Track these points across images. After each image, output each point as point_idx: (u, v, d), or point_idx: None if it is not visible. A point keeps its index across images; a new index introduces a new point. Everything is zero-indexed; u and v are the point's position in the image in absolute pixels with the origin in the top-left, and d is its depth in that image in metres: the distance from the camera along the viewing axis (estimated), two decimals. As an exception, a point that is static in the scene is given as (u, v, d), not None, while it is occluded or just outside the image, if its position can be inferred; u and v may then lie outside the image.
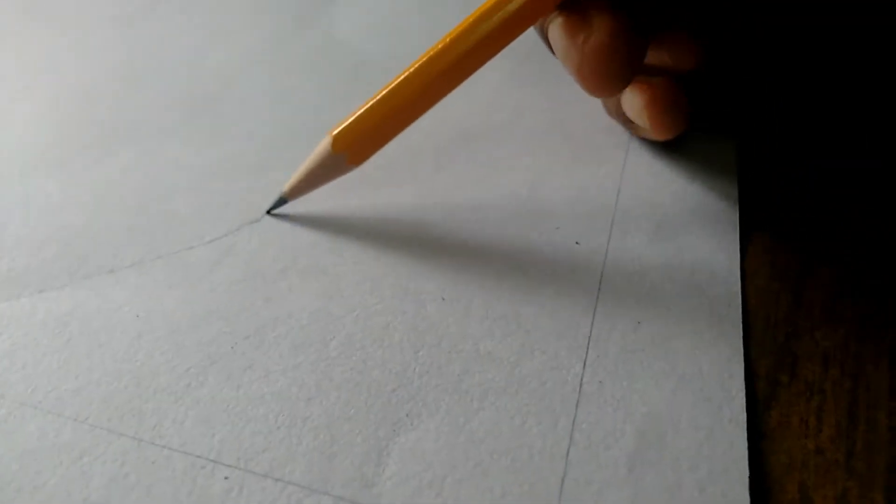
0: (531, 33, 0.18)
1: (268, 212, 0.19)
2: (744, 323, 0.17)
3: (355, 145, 0.18)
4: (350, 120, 0.18)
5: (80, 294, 0.17)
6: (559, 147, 0.22)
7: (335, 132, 0.18)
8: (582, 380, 0.16)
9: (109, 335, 0.16)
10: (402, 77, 0.17)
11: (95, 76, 0.24)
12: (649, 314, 0.17)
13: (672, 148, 0.22)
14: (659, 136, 0.19)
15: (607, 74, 0.16)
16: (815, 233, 0.20)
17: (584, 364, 0.16)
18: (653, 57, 0.19)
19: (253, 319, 0.16)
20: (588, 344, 0.16)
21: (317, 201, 0.20)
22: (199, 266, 0.18)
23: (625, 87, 0.17)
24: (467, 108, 0.23)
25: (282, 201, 0.19)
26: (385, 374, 0.15)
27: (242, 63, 0.25)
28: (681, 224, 0.19)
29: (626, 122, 0.20)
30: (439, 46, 0.17)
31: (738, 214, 0.20)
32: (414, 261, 0.18)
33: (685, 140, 0.22)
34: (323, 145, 0.18)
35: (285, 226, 0.19)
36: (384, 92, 0.17)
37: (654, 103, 0.18)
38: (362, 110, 0.18)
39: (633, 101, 0.18)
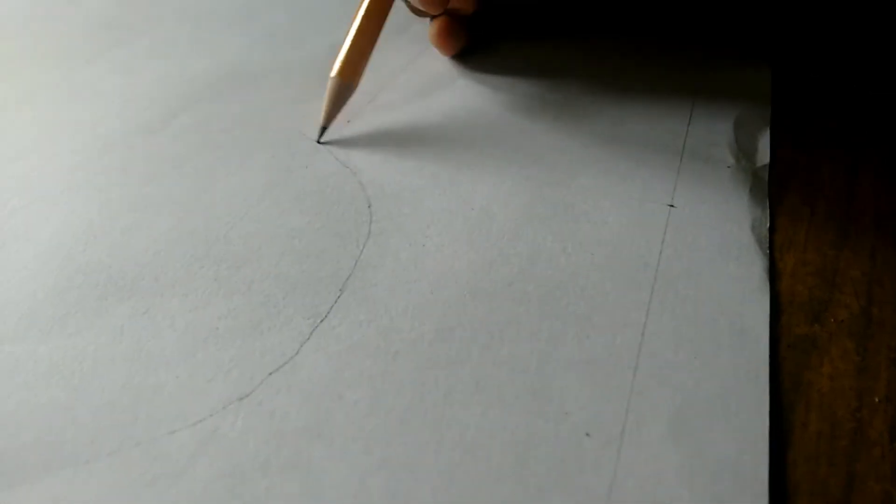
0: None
1: (318, 141, 0.27)
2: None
3: (349, 71, 0.27)
4: (340, 57, 0.27)
5: (52, 492, 0.16)
6: (572, 306, 0.20)
7: (334, 70, 0.27)
8: None
9: (74, 548, 0.15)
10: (360, 16, 0.27)
11: (101, 208, 0.24)
12: (663, 536, 0.15)
13: (695, 312, 0.20)
14: (443, 54, 0.32)
15: (432, 4, 0.28)
16: (859, 440, 0.18)
17: None
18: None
19: (226, 533, 0.15)
20: (592, 575, 0.15)
21: (310, 374, 0.19)
22: (179, 457, 0.17)
23: (443, 9, 0.29)
24: (476, 256, 0.22)
25: (323, 129, 0.27)
26: None
27: (253, 194, 0.25)
28: (704, 411, 0.18)
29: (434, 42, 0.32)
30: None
31: (767, 407, 0.18)
32: (407, 452, 0.17)
33: (706, 299, 0.20)
34: (332, 81, 0.27)
35: (273, 404, 0.18)
36: (352, 32, 0.27)
37: (439, 32, 0.31)
38: (344, 50, 0.27)
39: (428, 29, 0.31)
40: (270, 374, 0.19)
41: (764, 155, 0.26)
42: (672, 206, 0.24)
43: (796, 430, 0.18)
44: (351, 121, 0.28)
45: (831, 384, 0.19)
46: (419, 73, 0.31)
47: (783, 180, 0.25)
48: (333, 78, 0.27)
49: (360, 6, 0.28)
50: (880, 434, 0.18)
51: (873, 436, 0.18)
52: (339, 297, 0.21)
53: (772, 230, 0.23)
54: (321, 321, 0.20)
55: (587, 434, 0.17)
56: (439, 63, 0.32)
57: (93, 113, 0.29)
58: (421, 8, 0.29)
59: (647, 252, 0.22)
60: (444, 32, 0.31)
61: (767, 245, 0.22)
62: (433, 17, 0.31)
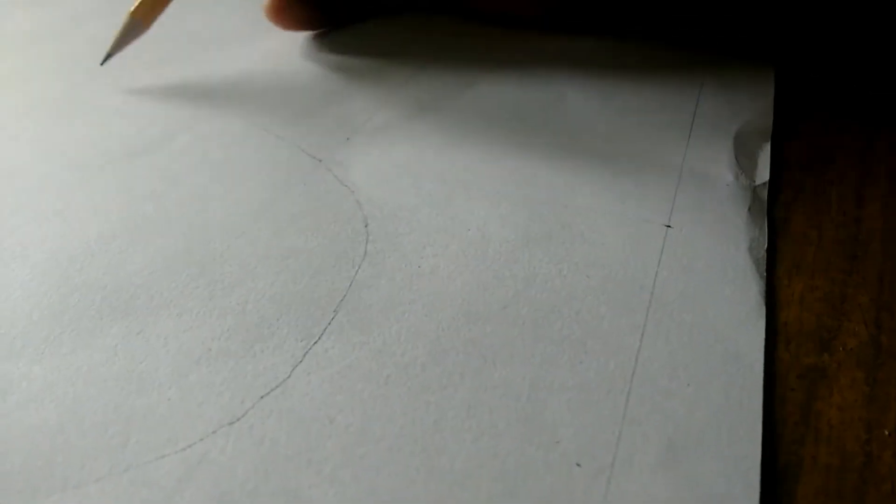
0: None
1: (101, 64, 0.31)
2: None
3: (143, 12, 0.31)
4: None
5: (40, 515, 0.16)
6: (566, 330, 0.20)
7: (132, 8, 0.31)
8: None
9: (59, 574, 0.15)
10: None
11: (101, 227, 0.24)
12: (653, 573, 0.15)
13: (689, 337, 0.20)
14: (279, 27, 0.34)
15: None
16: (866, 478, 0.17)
17: None
18: None
19: (209, 562, 0.15)
20: None
21: (306, 400, 0.19)
22: (166, 483, 0.17)
23: None
24: (470, 278, 0.22)
25: (107, 56, 0.31)
26: None
27: (250, 212, 0.25)
28: (696, 441, 0.17)
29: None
30: None
31: (760, 438, 0.17)
32: (397, 481, 0.17)
33: (706, 321, 0.20)
34: (126, 17, 0.31)
35: (263, 429, 0.18)
36: None
37: (269, 4, 0.33)
38: None
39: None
40: (262, 397, 0.19)
41: (764, 172, 0.25)
42: (669, 226, 0.23)
43: (806, 464, 0.17)
44: (350, 138, 0.28)
45: (840, 415, 0.18)
46: (419, 90, 0.31)
47: (789, 203, 0.25)
48: (127, 14, 0.31)
49: None
50: (890, 468, 0.17)
51: (883, 470, 0.17)
52: (333, 318, 0.21)
53: (779, 255, 0.23)
54: (314, 343, 0.20)
55: (578, 464, 0.17)
56: (439, 79, 0.32)
57: (93, 130, 0.29)
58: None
59: (642, 275, 0.22)
60: (275, 5, 0.33)
61: (765, 267, 0.22)
62: None
